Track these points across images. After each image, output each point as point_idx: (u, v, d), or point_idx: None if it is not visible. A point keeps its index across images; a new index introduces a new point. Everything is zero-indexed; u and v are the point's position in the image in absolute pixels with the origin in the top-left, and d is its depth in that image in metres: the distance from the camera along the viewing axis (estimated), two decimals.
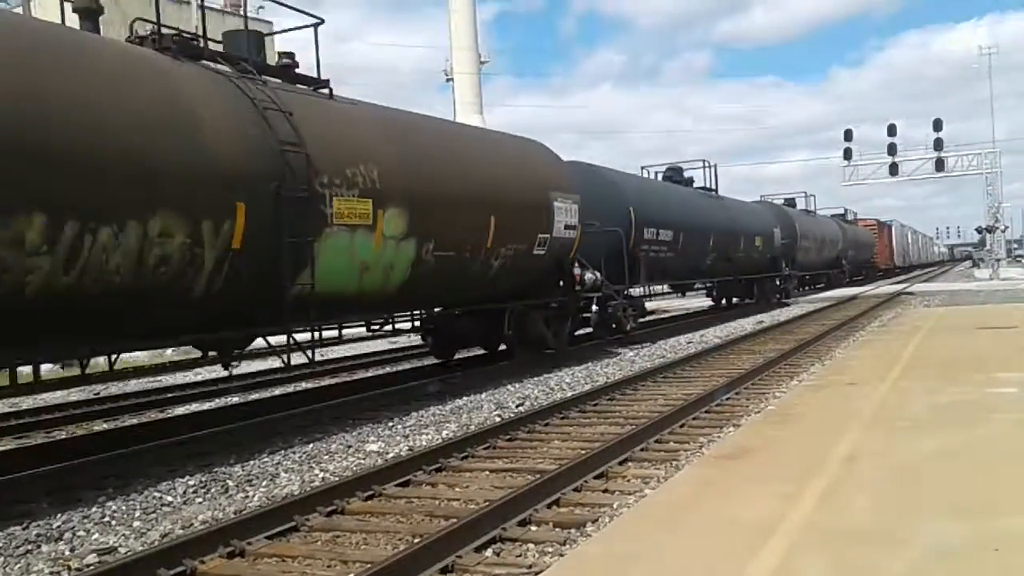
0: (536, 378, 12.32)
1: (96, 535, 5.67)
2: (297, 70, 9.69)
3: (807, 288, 37.70)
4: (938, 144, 45.33)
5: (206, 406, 11.58)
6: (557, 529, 5.24)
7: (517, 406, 10.02)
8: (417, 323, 12.69)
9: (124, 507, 6.28)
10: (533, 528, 5.29)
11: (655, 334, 18.50)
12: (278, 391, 12.75)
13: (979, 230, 58.68)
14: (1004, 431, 6.53)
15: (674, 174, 24.26)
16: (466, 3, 47.84)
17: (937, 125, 45.00)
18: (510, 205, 12.06)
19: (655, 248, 18.90)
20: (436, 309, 12.60)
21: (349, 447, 8.06)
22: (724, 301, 28.61)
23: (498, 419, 9.06)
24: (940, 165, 46.02)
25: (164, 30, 8.13)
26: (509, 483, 6.39)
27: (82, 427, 10.57)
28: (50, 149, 6.15)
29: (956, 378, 9.10)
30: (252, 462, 7.53)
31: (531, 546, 4.96)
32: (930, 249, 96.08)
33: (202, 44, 8.62)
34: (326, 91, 9.87)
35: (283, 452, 7.90)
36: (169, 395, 12.46)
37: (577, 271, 14.57)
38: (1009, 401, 7.69)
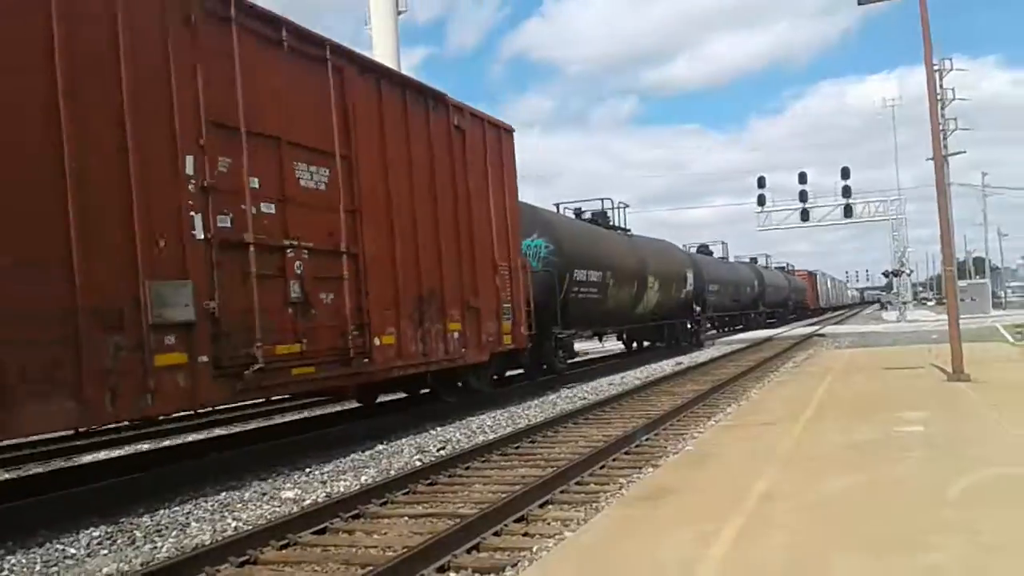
0: (459, 421, 12.24)
1: None
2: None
3: (766, 321, 49.65)
4: (846, 191, 47.17)
5: (115, 454, 11.17)
6: (476, 575, 5.17)
7: (438, 450, 9.92)
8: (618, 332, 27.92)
9: (24, 560, 5.98)
10: (452, 575, 5.21)
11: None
12: (190, 437, 12.39)
13: (886, 274, 60.90)
14: (913, 469, 6.72)
15: (704, 248, 42.38)
16: (390, 47, 48.01)
17: (845, 173, 46.86)
18: (674, 276, 27.43)
19: (711, 294, 34.60)
20: (633, 325, 26.13)
21: (264, 494, 7.85)
22: (723, 328, 41.24)
23: (419, 463, 8.95)
24: (848, 211, 47.84)
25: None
26: (429, 528, 6.29)
27: None
28: (616, 267, 21.34)
29: (866, 417, 9.35)
30: (161, 511, 7.27)
31: None
32: (844, 293, 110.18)
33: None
34: (631, 232, 25.19)
35: (194, 500, 7.65)
36: (77, 443, 11.96)
37: (695, 306, 30.36)
38: (917, 439, 7.92)
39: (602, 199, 24.38)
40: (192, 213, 7.94)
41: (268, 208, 8.93)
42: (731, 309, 40.72)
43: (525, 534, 6.06)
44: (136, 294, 7.25)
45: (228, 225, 8.36)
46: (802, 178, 48.07)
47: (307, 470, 8.95)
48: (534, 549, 5.52)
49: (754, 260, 53.30)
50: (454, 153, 12.83)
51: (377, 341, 10.46)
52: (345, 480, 8.35)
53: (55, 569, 5.81)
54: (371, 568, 5.01)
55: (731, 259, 46.45)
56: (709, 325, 36.28)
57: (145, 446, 11.71)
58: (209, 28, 8.32)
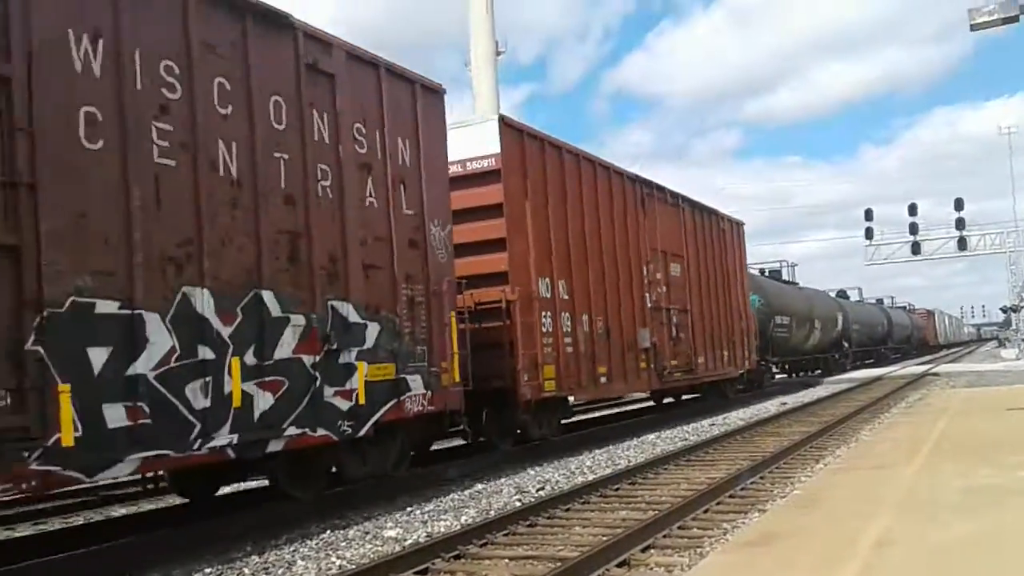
0: (557, 461, 12.18)
1: None
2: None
3: (892, 356, 55.99)
4: (960, 223, 45.32)
5: (223, 491, 11.48)
6: None
7: (537, 490, 9.88)
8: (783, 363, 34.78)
9: None
10: None
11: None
12: None
13: (1004, 309, 58.17)
14: None
15: (842, 292, 50.62)
16: (489, 86, 48.75)
17: (958, 204, 45.05)
18: (830, 319, 37.23)
19: (854, 332, 42.01)
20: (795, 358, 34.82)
21: (367, 533, 7.95)
22: (856, 362, 45.33)
23: (518, 504, 8.92)
24: (963, 244, 45.95)
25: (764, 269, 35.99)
26: (529, 571, 6.25)
27: (100, 512, 10.50)
28: (796, 312, 31.66)
29: (986, 460, 8.89)
30: (268, 549, 7.43)
31: None
32: (960, 330, 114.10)
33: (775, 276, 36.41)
34: (799, 284, 37.24)
35: (300, 539, 7.79)
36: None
37: (844, 343, 39.59)
38: None
39: (779, 261, 39.02)
40: (645, 293, 16.36)
41: (662, 289, 17.20)
42: (866, 344, 48.58)
43: None
44: (636, 333, 15.67)
45: (655, 299, 16.75)
46: (912, 210, 46.47)
47: (408, 509, 9.03)
48: None
49: (880, 301, 62.75)
50: (719, 245, 21.17)
51: (700, 360, 18.84)
52: (446, 520, 8.38)
53: None
54: None
55: (864, 301, 56.87)
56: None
57: (253, 484, 12.00)
58: (649, 202, 16.99)
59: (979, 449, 9.90)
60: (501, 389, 11.87)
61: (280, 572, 6.69)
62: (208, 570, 6.78)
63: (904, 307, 70.97)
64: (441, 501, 9.45)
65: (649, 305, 16.29)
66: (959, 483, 7.77)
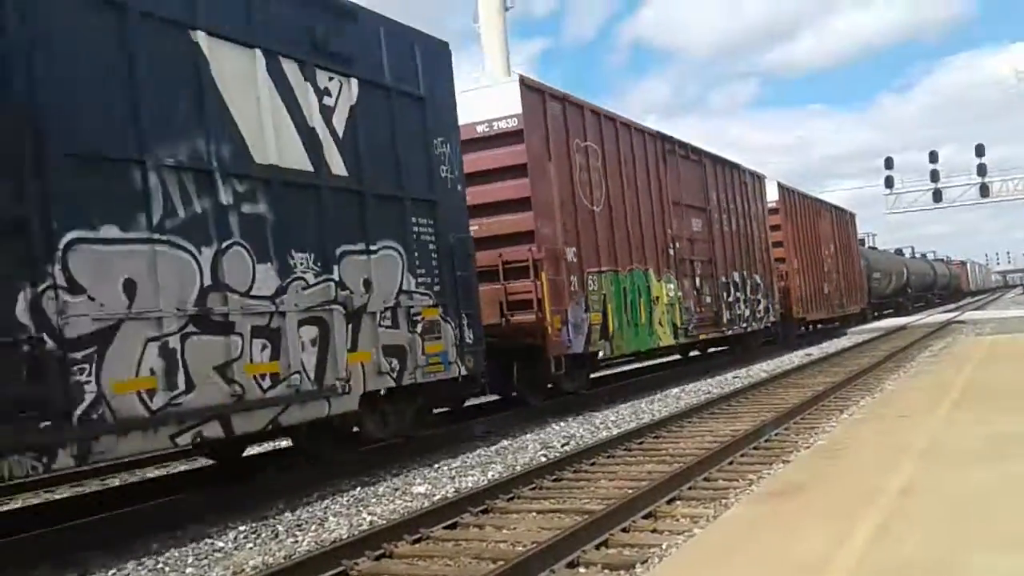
0: (580, 416, 12.29)
1: None
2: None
3: (936, 300, 65.79)
4: (981, 169, 44.81)
5: (255, 451, 11.68)
6: (606, 571, 5.20)
7: (563, 445, 9.99)
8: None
9: (177, 553, 6.36)
10: (582, 570, 5.25)
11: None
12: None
13: None
14: None
15: (899, 251, 60.37)
16: (498, 42, 48.04)
17: (979, 151, 44.53)
18: (898, 272, 48.01)
19: (912, 280, 53.03)
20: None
21: (396, 490, 8.09)
22: (910, 306, 53.74)
23: (544, 459, 9.03)
24: (984, 191, 45.49)
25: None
26: (556, 524, 6.35)
27: (135, 474, 10.73)
28: (880, 268, 44.47)
29: (1011, 408, 8.89)
30: (301, 507, 7.59)
31: None
32: (988, 278, 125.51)
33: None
34: (876, 247, 51.41)
35: (331, 496, 7.95)
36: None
37: (908, 289, 52.17)
38: None
39: (865, 234, 46.26)
40: (823, 263, 29.64)
41: (828, 261, 30.30)
42: (919, 290, 58.71)
43: (654, 531, 6.05)
44: (821, 286, 28.69)
45: (825, 267, 29.90)
46: (933, 157, 46.03)
47: (436, 466, 9.17)
48: (664, 546, 5.50)
49: (924, 255, 72.17)
50: (845, 230, 33.61)
51: (844, 301, 31.56)
52: (473, 476, 8.51)
53: (205, 562, 6.15)
54: (502, 563, 5.11)
55: (916, 256, 67.45)
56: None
57: (284, 444, 12.20)
58: (821, 213, 30.52)
59: (1003, 397, 9.89)
60: (783, 314, 23.65)
61: (313, 528, 6.84)
62: (242, 528, 6.94)
63: (943, 260, 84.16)
64: (468, 457, 9.59)
65: (825, 270, 28.84)
66: (983, 431, 7.77)
